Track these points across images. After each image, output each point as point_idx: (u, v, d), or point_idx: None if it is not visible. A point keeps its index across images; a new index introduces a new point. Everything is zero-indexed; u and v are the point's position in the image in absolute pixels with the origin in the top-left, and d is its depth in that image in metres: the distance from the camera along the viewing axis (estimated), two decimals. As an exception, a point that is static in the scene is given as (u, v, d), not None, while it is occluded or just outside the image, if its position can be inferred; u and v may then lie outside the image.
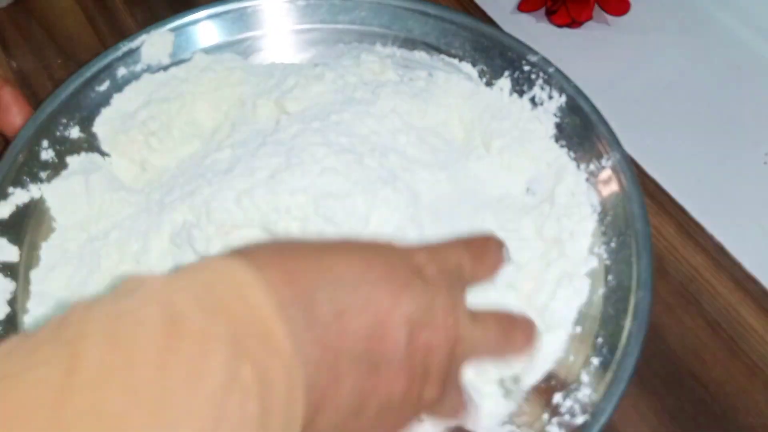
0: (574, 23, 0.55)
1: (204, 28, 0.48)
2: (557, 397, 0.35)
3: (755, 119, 0.50)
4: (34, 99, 0.52)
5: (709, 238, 0.44)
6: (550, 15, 0.55)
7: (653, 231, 0.39)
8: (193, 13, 0.48)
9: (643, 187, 0.40)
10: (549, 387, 0.36)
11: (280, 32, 0.50)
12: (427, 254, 0.29)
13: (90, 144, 0.45)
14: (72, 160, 0.44)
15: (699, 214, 0.45)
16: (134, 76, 0.47)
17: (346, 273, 0.26)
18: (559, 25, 0.55)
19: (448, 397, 0.29)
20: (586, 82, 0.51)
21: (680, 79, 0.52)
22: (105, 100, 0.46)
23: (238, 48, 0.49)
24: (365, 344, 0.25)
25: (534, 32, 0.55)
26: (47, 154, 0.43)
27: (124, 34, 0.55)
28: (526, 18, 0.56)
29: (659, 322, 0.40)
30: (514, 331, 0.31)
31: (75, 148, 0.44)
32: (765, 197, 0.46)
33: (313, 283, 0.25)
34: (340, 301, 0.25)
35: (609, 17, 0.56)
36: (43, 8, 0.58)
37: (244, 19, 0.49)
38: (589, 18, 0.55)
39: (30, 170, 0.42)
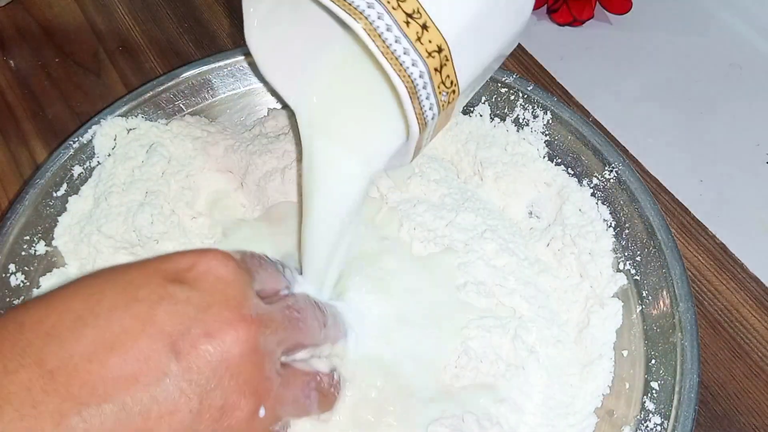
0: (575, 22, 0.54)
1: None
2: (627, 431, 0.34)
3: (757, 118, 0.50)
4: (33, 98, 0.52)
5: (711, 238, 0.44)
6: (552, 13, 0.55)
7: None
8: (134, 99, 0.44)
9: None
10: (612, 420, 0.34)
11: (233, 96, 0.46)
12: (195, 254, 0.25)
13: (60, 258, 0.40)
14: (44, 281, 0.39)
15: (701, 214, 0.45)
16: (90, 173, 0.42)
17: (61, 320, 0.22)
18: (561, 24, 0.55)
19: (287, 394, 0.25)
20: (587, 81, 0.51)
21: (682, 78, 0.52)
22: (63, 206, 0.41)
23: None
24: (121, 388, 0.21)
25: (535, 31, 0.55)
26: (17, 279, 0.38)
27: (122, 33, 0.55)
28: (527, 16, 0.56)
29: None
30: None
31: (45, 265, 0.39)
32: (767, 197, 0.46)
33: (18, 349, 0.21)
34: (57, 356, 0.21)
35: (610, 16, 0.56)
36: (41, 7, 0.57)
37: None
38: (591, 16, 0.54)
39: (2, 300, 0.38)
